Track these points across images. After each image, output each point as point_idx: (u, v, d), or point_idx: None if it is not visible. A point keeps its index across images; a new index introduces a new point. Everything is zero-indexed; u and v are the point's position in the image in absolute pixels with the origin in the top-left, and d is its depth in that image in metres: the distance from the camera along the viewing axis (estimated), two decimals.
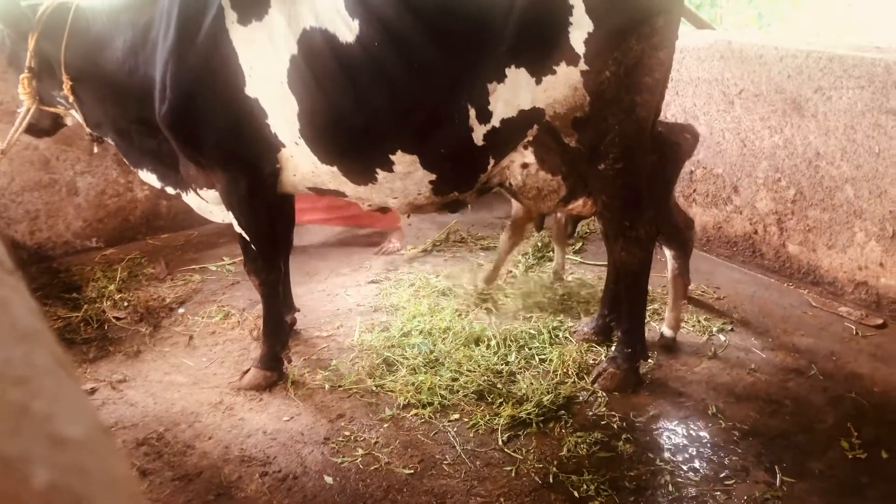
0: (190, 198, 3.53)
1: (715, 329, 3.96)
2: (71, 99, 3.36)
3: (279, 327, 3.63)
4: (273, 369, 3.55)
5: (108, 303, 4.32)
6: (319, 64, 2.91)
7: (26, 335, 0.47)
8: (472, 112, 2.93)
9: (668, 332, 3.83)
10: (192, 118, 3.08)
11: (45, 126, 3.69)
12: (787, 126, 4.26)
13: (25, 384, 0.41)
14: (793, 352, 3.76)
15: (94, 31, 3.26)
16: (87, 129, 3.52)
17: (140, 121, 3.29)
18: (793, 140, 4.26)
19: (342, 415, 3.32)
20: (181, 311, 4.31)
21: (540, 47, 2.87)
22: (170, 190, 3.56)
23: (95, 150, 3.88)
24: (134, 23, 3.16)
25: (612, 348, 3.64)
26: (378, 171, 3.08)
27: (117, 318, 4.19)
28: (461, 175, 3.14)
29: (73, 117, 3.55)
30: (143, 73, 3.14)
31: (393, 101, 2.93)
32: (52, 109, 3.52)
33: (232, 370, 3.69)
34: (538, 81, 2.90)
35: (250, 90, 3.01)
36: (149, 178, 3.54)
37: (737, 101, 4.49)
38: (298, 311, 4.03)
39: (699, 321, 4.03)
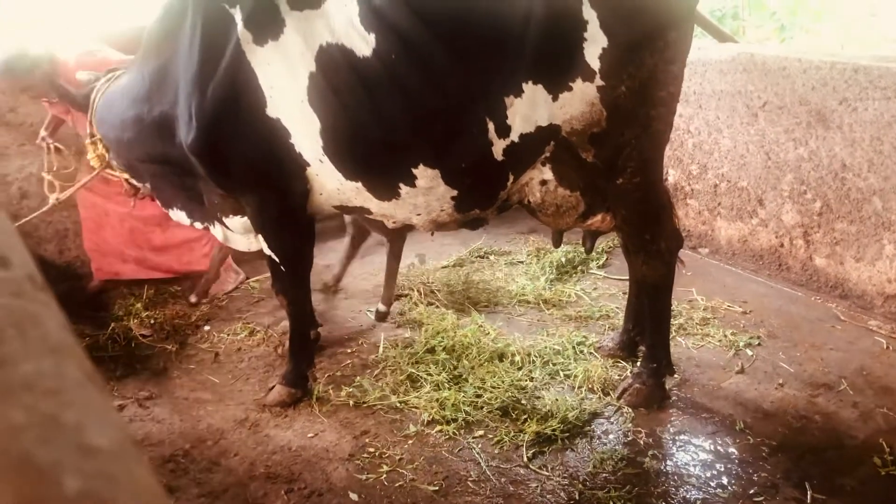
0: (216, 229, 3.60)
1: (742, 344, 3.91)
2: (99, 150, 3.65)
3: (305, 345, 3.66)
4: (298, 386, 3.57)
5: (135, 321, 4.36)
6: (338, 79, 2.93)
7: (57, 348, 0.49)
8: (491, 126, 2.94)
9: (381, 307, 4.34)
10: (219, 144, 3.12)
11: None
12: (812, 138, 4.22)
13: (57, 395, 0.42)
14: (822, 366, 3.71)
15: (113, 88, 3.52)
16: (125, 184, 3.82)
17: (163, 159, 3.39)
18: (818, 152, 4.22)
19: (367, 431, 3.33)
20: (207, 328, 4.35)
21: (556, 63, 2.87)
22: (198, 225, 3.66)
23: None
24: (151, 69, 3.27)
25: (638, 364, 3.61)
26: (401, 185, 3.09)
27: (144, 336, 4.23)
28: (482, 191, 3.15)
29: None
30: (162, 112, 3.22)
31: (412, 113, 2.94)
32: (116, 173, 3.79)
33: (257, 387, 3.72)
34: (555, 98, 2.90)
35: (271, 111, 3.03)
36: (179, 216, 3.66)
37: (760, 114, 4.46)
38: (321, 325, 4.05)
39: (725, 336, 3.98)
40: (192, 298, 4.56)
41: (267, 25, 2.98)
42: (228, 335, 4.23)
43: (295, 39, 2.96)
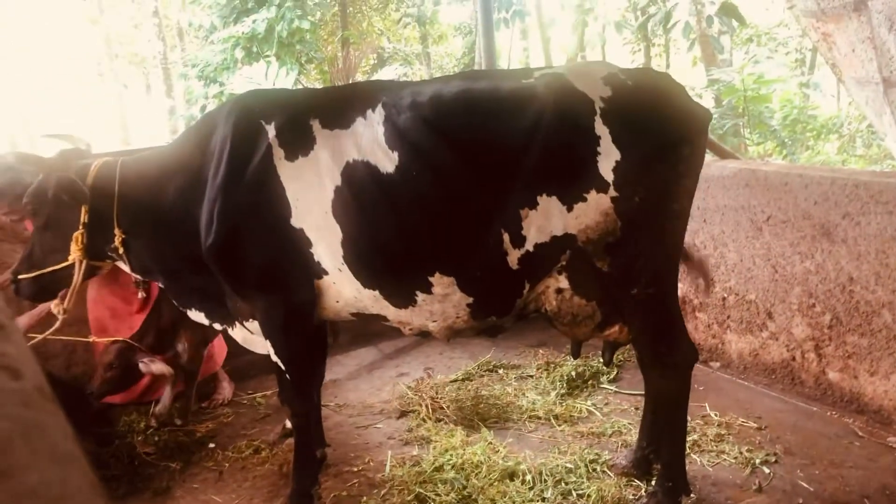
0: (236, 331, 3.61)
1: (758, 461, 3.80)
2: (121, 251, 3.51)
3: (310, 462, 3.58)
4: None
5: (139, 438, 4.30)
6: (362, 193, 3.04)
7: (63, 458, 0.49)
8: (506, 237, 3.00)
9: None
10: (236, 249, 3.20)
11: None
12: (818, 251, 4.25)
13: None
14: (842, 485, 3.58)
15: (145, 183, 3.46)
16: (135, 277, 3.74)
17: (190, 259, 3.39)
18: (825, 265, 4.24)
19: None
20: (212, 445, 4.27)
21: (570, 176, 2.95)
22: (217, 326, 3.66)
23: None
24: (185, 168, 3.35)
25: (653, 482, 3.51)
26: (418, 293, 3.14)
27: (147, 454, 4.15)
28: (498, 298, 3.18)
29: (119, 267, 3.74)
30: (195, 213, 3.28)
31: (430, 225, 3.03)
32: (99, 264, 3.67)
33: None
34: (569, 209, 2.96)
35: (296, 221, 3.13)
36: (197, 316, 3.65)
37: (765, 228, 4.52)
38: (329, 446, 3.97)
39: (741, 453, 3.87)
40: (178, 421, 4.46)
41: (299, 142, 3.13)
42: (233, 453, 4.15)
43: (324, 155, 3.10)
